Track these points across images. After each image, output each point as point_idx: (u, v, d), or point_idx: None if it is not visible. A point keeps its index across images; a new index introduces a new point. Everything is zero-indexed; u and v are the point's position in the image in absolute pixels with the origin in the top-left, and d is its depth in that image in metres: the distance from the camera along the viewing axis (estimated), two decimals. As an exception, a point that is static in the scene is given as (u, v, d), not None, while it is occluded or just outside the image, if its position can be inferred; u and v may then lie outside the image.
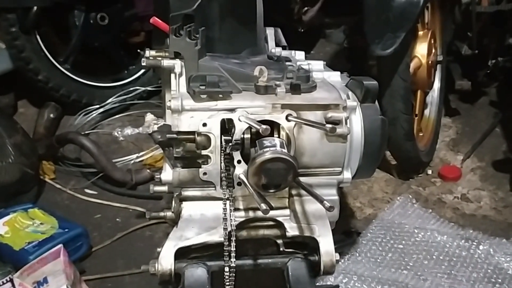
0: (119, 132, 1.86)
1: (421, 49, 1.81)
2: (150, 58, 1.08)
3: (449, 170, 1.95)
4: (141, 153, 1.85)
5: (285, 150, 0.91)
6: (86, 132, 2.03)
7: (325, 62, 1.31)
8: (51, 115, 2.03)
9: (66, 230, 1.40)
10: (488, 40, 2.23)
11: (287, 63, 1.19)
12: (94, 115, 2.12)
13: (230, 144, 0.91)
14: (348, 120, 1.01)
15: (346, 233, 1.54)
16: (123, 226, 1.59)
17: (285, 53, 1.37)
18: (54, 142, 1.80)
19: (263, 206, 0.79)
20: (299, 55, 1.38)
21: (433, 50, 1.88)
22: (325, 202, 0.80)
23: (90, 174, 1.78)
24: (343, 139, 1.00)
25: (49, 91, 2.07)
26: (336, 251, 1.41)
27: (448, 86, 2.21)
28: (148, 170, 1.79)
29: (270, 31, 1.49)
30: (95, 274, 1.39)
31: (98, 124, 2.14)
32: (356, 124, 1.03)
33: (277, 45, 1.45)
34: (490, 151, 2.07)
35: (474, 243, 1.48)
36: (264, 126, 0.82)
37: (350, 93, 1.06)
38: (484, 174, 1.94)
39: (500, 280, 1.37)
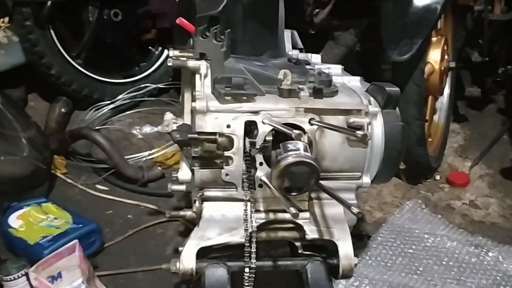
0: (138, 130, 1.87)
1: (434, 55, 1.82)
2: (174, 58, 1.09)
3: (457, 176, 1.96)
4: (153, 151, 1.86)
5: (309, 154, 0.91)
6: (97, 127, 2.03)
7: (343, 67, 1.32)
8: (63, 110, 2.04)
9: (80, 225, 1.41)
10: (499, 47, 2.24)
11: (308, 67, 1.20)
12: (105, 111, 2.13)
13: (257, 147, 0.92)
14: (369, 126, 1.02)
15: (357, 237, 1.54)
16: (134, 223, 1.59)
17: (301, 55, 1.37)
18: (67, 137, 1.81)
19: (292, 210, 0.80)
20: (315, 58, 1.39)
21: (446, 56, 1.89)
22: (352, 208, 0.81)
23: (101, 169, 1.79)
24: (364, 144, 1.01)
25: (61, 86, 2.07)
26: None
27: (457, 93, 2.22)
28: (159, 168, 1.79)
29: (286, 33, 1.50)
30: (108, 270, 1.40)
31: (108, 120, 2.14)
32: (377, 130, 1.04)
33: (293, 47, 1.46)
34: (498, 158, 2.08)
35: (484, 250, 1.49)
36: (296, 131, 0.83)
37: (371, 98, 1.07)
38: (492, 181, 1.95)
39: (508, 287, 1.38)
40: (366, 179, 1.05)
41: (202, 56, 1.01)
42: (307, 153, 0.91)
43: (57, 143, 1.82)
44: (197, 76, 1.00)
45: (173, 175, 1.21)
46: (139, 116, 2.18)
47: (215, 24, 1.03)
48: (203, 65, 1.00)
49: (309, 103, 1.00)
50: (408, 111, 1.64)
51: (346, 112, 1.02)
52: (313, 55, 1.40)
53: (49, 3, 1.95)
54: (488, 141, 2.18)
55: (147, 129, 1.86)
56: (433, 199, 1.82)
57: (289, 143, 0.94)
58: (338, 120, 1.01)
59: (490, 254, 1.47)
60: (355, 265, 0.97)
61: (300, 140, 0.89)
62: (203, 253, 0.97)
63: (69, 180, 1.76)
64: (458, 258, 1.47)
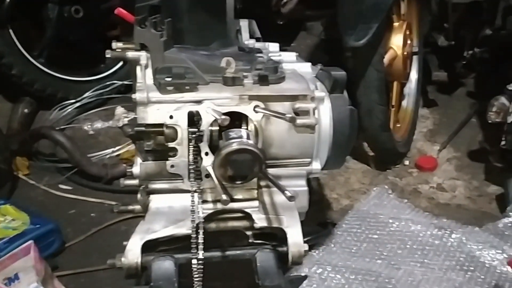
0: (89, 126, 1.84)
1: (396, 40, 1.82)
2: (118, 50, 1.06)
3: (426, 161, 1.97)
4: (117, 148, 1.84)
5: (251, 141, 0.90)
6: (62, 127, 2.00)
7: (297, 54, 1.31)
8: (26, 110, 2.00)
9: (38, 226, 1.38)
10: (464, 31, 2.25)
11: (258, 55, 1.18)
12: (70, 110, 2.10)
13: (193, 135, 0.91)
14: (316, 111, 1.01)
15: (322, 224, 1.54)
16: (98, 221, 1.57)
17: (258, 45, 1.36)
18: (27, 137, 1.78)
19: (224, 197, 0.79)
20: (273, 46, 1.38)
21: (409, 41, 1.89)
22: (286, 191, 0.80)
23: (65, 169, 1.76)
24: (311, 130, 1.00)
25: (23, 86, 2.04)
26: (311, 242, 1.42)
27: (426, 78, 2.23)
28: (124, 165, 1.77)
29: (244, 23, 1.48)
30: (69, 269, 1.38)
31: (74, 119, 2.11)
32: (324, 115, 1.03)
33: (251, 37, 1.44)
34: (466, 141, 2.09)
35: (447, 232, 1.50)
36: (223, 117, 0.81)
37: (318, 83, 1.06)
38: (459, 164, 1.96)
39: (472, 268, 1.39)
40: (316, 165, 1.04)
41: (143, 47, 1.00)
42: (249, 141, 0.90)
43: (18, 144, 1.79)
44: (138, 67, 0.98)
45: (127, 170, 1.20)
46: (106, 114, 2.15)
47: (155, 13, 1.02)
48: (143, 55, 0.98)
49: (254, 90, 0.99)
50: (369, 96, 1.64)
51: (292, 98, 1.00)
52: (271, 44, 1.39)
53: (7, 1, 1.91)
54: (457, 125, 2.19)
55: (99, 124, 1.84)
56: (401, 184, 1.83)
57: (231, 131, 0.93)
58: (284, 107, 0.99)
59: (453, 235, 1.48)
60: (306, 252, 0.96)
61: (238, 127, 0.88)
62: (152, 247, 0.96)
63: (31, 181, 1.73)
64: (422, 241, 1.47)
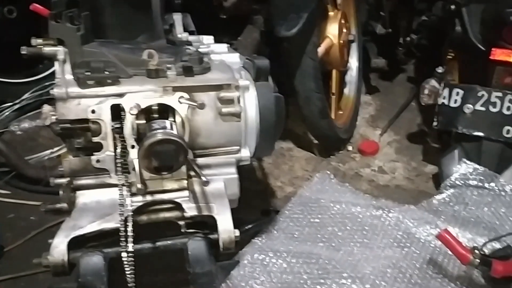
0: (16, 126, 1.79)
1: (332, 30, 1.87)
2: (38, 46, 1.05)
3: (368, 145, 2.03)
4: (56, 149, 1.80)
5: (174, 132, 0.91)
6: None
7: (228, 45, 1.33)
8: (-41, 116, 1.93)
9: (-28, 232, 1.34)
10: (399, 19, 2.33)
11: (185, 47, 1.19)
12: (8, 113, 2.03)
13: (113, 128, 0.91)
14: (241, 99, 1.03)
15: (265, 212, 1.56)
16: (37, 224, 1.53)
17: (192, 38, 1.37)
18: (-40, 143, 1.71)
19: (138, 185, 0.80)
20: (207, 39, 1.39)
21: (345, 30, 1.94)
22: (202, 177, 0.81)
23: (2, 173, 1.71)
24: (237, 118, 1.02)
25: (-44, 92, 1.96)
26: (252, 230, 1.44)
27: (367, 65, 2.29)
28: (65, 165, 1.73)
29: (177, 17, 1.49)
30: (8, 274, 1.34)
31: (13, 122, 2.05)
32: (250, 103, 1.05)
33: (185, 30, 1.45)
34: (405, 125, 2.17)
35: (385, 211, 1.54)
36: (133, 107, 0.82)
37: (243, 72, 1.08)
38: (399, 146, 2.03)
39: (408, 244, 1.44)
40: (245, 152, 1.07)
41: (60, 42, 0.98)
42: (172, 131, 0.91)
43: (-49, 150, 1.72)
44: (56, 63, 0.97)
45: (59, 168, 1.18)
46: (47, 115, 2.10)
47: (73, 7, 1.01)
48: (60, 51, 0.97)
49: (178, 81, 1.00)
50: (306, 85, 1.67)
51: (217, 87, 1.02)
52: (205, 36, 1.40)
53: None
54: (397, 109, 2.27)
55: (26, 124, 1.78)
56: (343, 169, 1.88)
57: (154, 122, 0.94)
58: (209, 96, 1.01)
59: (391, 214, 1.53)
60: (236, 237, 0.98)
61: (164, 118, 0.88)
62: (80, 243, 0.95)
63: (-34, 189, 1.68)
64: (361, 222, 1.51)
